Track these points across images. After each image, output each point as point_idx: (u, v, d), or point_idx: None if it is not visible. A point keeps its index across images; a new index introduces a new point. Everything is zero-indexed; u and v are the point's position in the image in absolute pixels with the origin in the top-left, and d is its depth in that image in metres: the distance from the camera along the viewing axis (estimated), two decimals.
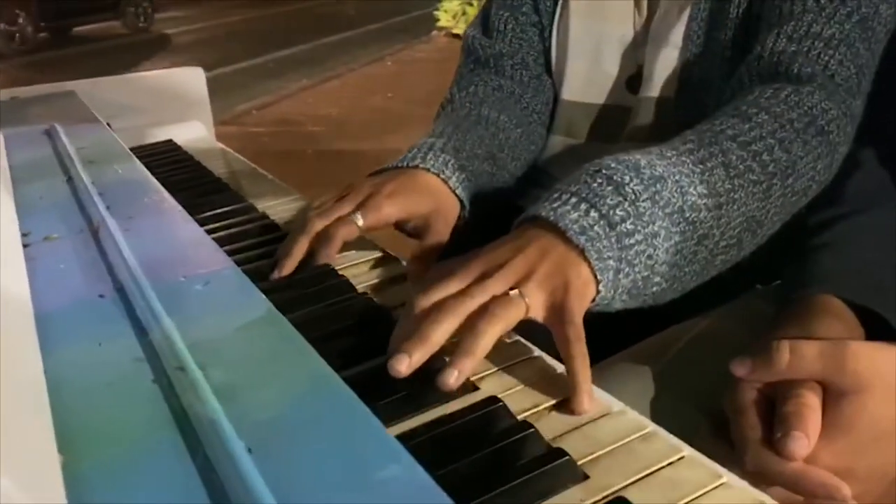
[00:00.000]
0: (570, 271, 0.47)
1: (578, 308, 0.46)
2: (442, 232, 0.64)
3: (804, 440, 0.44)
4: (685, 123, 0.73)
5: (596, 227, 0.47)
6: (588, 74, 0.81)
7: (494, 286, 0.46)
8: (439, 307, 0.45)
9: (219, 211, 0.72)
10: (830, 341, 0.48)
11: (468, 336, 0.43)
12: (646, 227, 0.49)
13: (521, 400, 0.42)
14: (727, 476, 0.35)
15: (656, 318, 0.68)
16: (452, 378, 0.41)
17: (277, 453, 0.24)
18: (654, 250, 0.49)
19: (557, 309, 0.46)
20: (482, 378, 0.44)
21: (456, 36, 7.55)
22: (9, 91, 1.06)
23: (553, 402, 0.42)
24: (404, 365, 0.41)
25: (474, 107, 0.79)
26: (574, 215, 0.48)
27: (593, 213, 0.48)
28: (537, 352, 0.48)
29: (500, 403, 0.40)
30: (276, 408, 0.27)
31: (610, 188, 0.49)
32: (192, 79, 1.14)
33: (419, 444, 0.33)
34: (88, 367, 0.31)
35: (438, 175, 0.67)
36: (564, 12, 0.81)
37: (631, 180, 0.49)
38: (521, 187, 0.84)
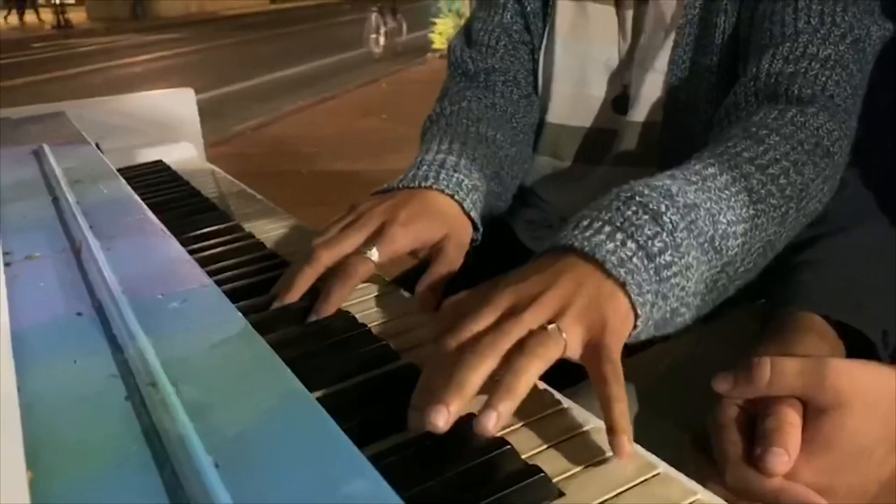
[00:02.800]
0: (607, 305, 0.44)
1: (616, 345, 0.44)
2: (454, 259, 0.61)
3: (784, 456, 0.44)
4: (671, 146, 0.74)
5: (634, 259, 0.45)
6: (573, 97, 0.81)
7: (530, 320, 0.43)
8: (473, 348, 0.41)
9: (205, 230, 0.72)
10: (811, 359, 0.48)
11: (508, 376, 0.40)
12: (682, 258, 0.47)
13: None
14: (701, 493, 0.35)
15: None
16: (492, 422, 0.37)
17: (245, 469, 0.24)
18: (687, 282, 0.48)
19: (595, 346, 0.43)
20: None
21: None
22: None
23: (531, 419, 0.42)
24: (442, 419, 0.37)
25: (472, 123, 0.77)
26: (610, 245, 0.45)
27: (630, 244, 0.46)
28: None
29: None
30: (246, 424, 0.27)
31: (646, 217, 0.47)
32: (182, 100, 1.15)
33: (393, 462, 0.33)
34: (63, 384, 0.31)
35: (453, 196, 0.63)
36: (550, 35, 0.81)
37: (668, 209, 0.48)
38: (510, 206, 0.84)
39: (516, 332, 0.42)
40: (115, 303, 0.36)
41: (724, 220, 0.50)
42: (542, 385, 0.46)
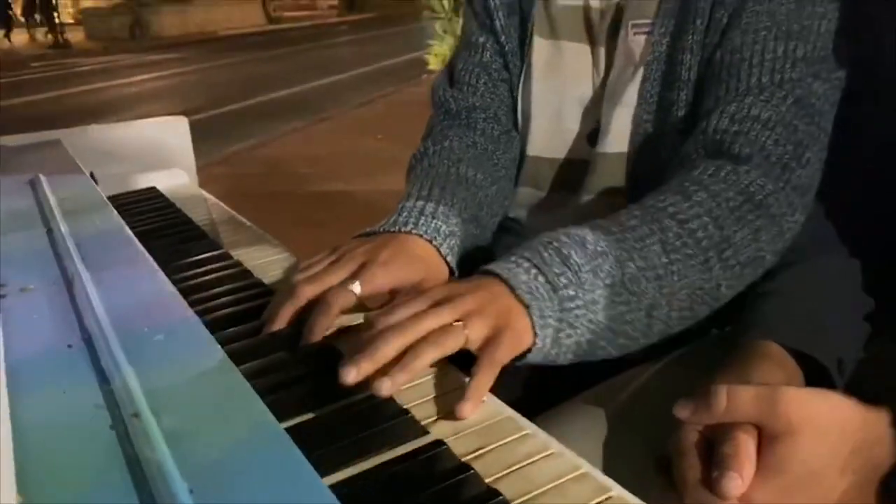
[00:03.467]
0: (510, 318, 0.53)
1: (507, 351, 0.52)
2: None
3: (738, 480, 0.47)
4: (640, 176, 0.78)
5: (542, 289, 0.55)
6: (550, 131, 0.84)
7: (444, 315, 0.52)
8: (393, 327, 0.51)
9: (194, 259, 0.75)
10: (765, 387, 0.51)
11: (409, 355, 0.49)
12: (586, 294, 0.55)
13: (468, 443, 0.44)
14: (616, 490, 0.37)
15: (615, 361, 0.71)
16: (386, 385, 0.47)
17: (217, 494, 0.27)
18: (595, 315, 0.56)
19: (489, 344, 0.52)
20: (436, 421, 0.47)
21: None
22: None
23: (499, 443, 0.45)
24: (352, 375, 0.47)
25: (452, 164, 0.81)
26: (524, 276, 0.55)
27: (541, 278, 0.55)
28: (487, 396, 0.51)
29: (445, 447, 0.42)
30: (220, 453, 0.29)
31: (558, 259, 0.56)
32: (175, 127, 1.18)
33: (361, 488, 0.35)
34: (52, 413, 0.34)
35: (431, 241, 0.69)
36: (527, 72, 0.85)
37: (576, 253, 0.57)
38: (493, 236, 0.87)
39: (430, 323, 0.51)
40: (104, 336, 0.38)
41: (633, 266, 0.58)
42: (508, 412, 0.48)
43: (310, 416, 0.43)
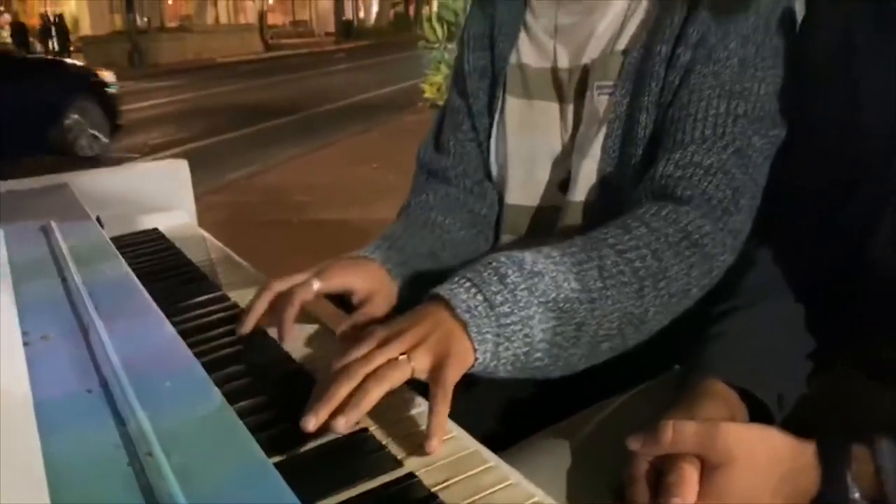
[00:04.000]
0: (453, 341, 0.59)
1: (453, 373, 0.58)
2: (380, 307, 0.77)
3: None
4: (605, 222, 0.84)
5: (479, 307, 0.60)
6: (525, 181, 0.92)
7: (389, 352, 0.58)
8: (344, 371, 0.56)
9: (194, 301, 0.81)
10: (706, 422, 0.57)
11: (358, 394, 0.55)
12: (521, 310, 0.61)
13: (437, 475, 0.50)
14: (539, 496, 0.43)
15: (583, 395, 0.78)
16: (341, 423, 0.52)
17: None
18: (531, 330, 0.61)
19: (436, 372, 0.58)
20: (409, 455, 0.53)
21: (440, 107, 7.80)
22: (6, 183, 1.15)
23: (466, 475, 0.51)
24: (311, 423, 0.52)
25: (424, 212, 0.91)
26: (464, 296, 0.61)
27: (479, 296, 0.61)
28: (458, 431, 0.57)
29: (416, 479, 0.48)
30: (220, 486, 0.35)
31: (495, 278, 0.62)
32: (175, 170, 1.25)
33: None
34: (77, 452, 0.40)
35: (382, 265, 0.79)
36: (501, 128, 0.93)
37: (513, 273, 0.63)
38: None
39: (377, 360, 0.57)
40: (119, 383, 0.44)
41: (568, 288, 0.64)
42: (475, 447, 0.55)
43: (297, 451, 0.49)
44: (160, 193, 1.22)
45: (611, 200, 0.84)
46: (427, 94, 8.63)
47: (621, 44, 0.84)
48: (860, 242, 0.69)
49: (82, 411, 0.43)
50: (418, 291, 0.82)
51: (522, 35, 0.93)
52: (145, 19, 26.84)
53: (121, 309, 0.60)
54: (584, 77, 0.86)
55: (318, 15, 37.74)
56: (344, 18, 34.28)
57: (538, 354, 0.63)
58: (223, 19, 31.97)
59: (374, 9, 37.39)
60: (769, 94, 0.76)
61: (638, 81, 0.81)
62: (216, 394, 0.45)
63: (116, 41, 20.47)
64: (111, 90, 6.65)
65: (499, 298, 0.61)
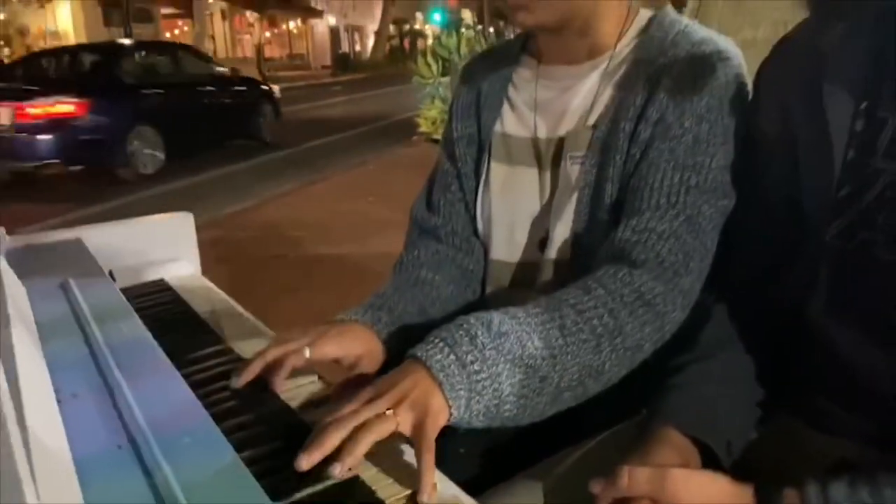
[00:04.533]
0: (431, 398, 0.67)
1: (433, 427, 0.65)
2: (367, 368, 0.84)
3: None
4: (578, 276, 0.92)
5: (452, 367, 0.68)
6: (507, 239, 1.00)
7: (376, 408, 0.65)
8: (335, 422, 0.64)
9: (200, 353, 0.89)
10: (657, 468, 0.65)
11: (350, 442, 0.62)
12: (490, 367, 0.69)
13: None
14: None
15: (556, 441, 0.85)
16: (337, 470, 0.60)
17: None
18: (499, 385, 0.69)
19: (417, 427, 0.65)
20: (399, 499, 0.61)
21: (435, 141, 7.94)
22: (22, 238, 1.23)
23: None
24: (304, 462, 0.60)
25: (415, 269, 0.99)
26: (439, 356, 0.69)
27: (451, 356, 0.69)
28: (438, 475, 0.64)
29: None
30: None
31: (466, 338, 0.70)
32: (181, 223, 1.33)
33: None
34: (110, 502, 0.47)
35: (371, 327, 0.87)
36: (486, 191, 1.01)
37: (481, 334, 0.71)
38: None
39: (365, 414, 0.65)
40: (146, 439, 0.52)
41: (532, 346, 0.72)
42: (453, 490, 0.62)
43: (299, 496, 0.57)
44: (166, 245, 1.30)
45: (584, 259, 0.92)
46: (422, 128, 8.78)
47: (591, 119, 0.93)
48: (800, 302, 0.77)
49: (115, 466, 0.51)
50: (407, 347, 0.90)
51: (506, 107, 1.02)
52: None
53: (141, 368, 0.67)
54: (559, 147, 0.95)
55: (315, 48, 38.19)
56: (340, 51, 34.70)
57: (507, 406, 0.71)
58: (220, 53, 32.31)
59: (370, 42, 37.87)
60: (719, 168, 0.84)
61: (605, 153, 0.90)
62: (228, 448, 0.52)
63: None
64: (276, 95, 9.95)
65: (469, 357, 0.69)
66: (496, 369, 0.70)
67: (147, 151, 7.49)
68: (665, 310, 0.80)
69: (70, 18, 25.67)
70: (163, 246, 1.30)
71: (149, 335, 0.77)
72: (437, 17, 25.85)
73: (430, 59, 8.54)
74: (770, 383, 0.81)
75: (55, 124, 6.78)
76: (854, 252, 0.72)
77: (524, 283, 1.00)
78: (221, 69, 9.42)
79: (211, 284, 1.24)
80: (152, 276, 1.24)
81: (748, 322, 0.83)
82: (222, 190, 6.68)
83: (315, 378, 0.83)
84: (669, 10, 0.96)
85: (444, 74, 8.37)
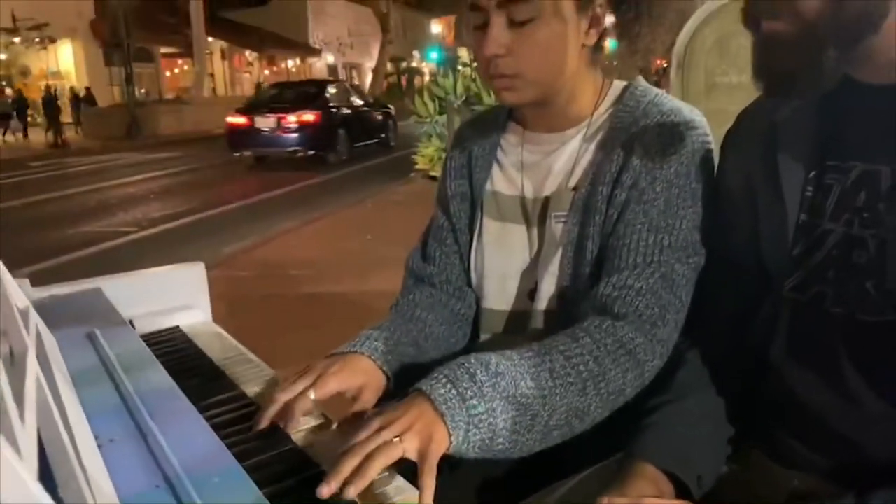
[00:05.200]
0: (434, 428, 0.75)
1: (435, 454, 0.73)
2: (369, 399, 0.92)
3: None
4: (565, 325, 1.01)
5: (453, 401, 0.76)
6: (499, 290, 1.09)
7: (385, 436, 0.73)
8: (349, 451, 0.71)
9: (217, 398, 0.96)
10: (633, 499, 0.73)
11: (362, 467, 0.69)
12: (487, 403, 0.77)
13: None
14: None
15: (547, 475, 0.93)
16: (351, 491, 0.67)
17: None
18: (494, 419, 0.78)
19: (422, 453, 0.73)
20: None
21: (433, 177, 8.07)
22: (46, 289, 1.31)
23: None
24: (325, 491, 0.67)
25: (410, 308, 1.08)
26: (441, 391, 0.77)
27: (453, 391, 0.77)
28: None
29: None
30: None
31: (467, 376, 0.78)
32: (193, 272, 1.41)
33: None
34: None
35: (370, 357, 0.94)
36: (479, 245, 1.10)
37: (480, 373, 0.79)
38: None
39: (375, 442, 0.72)
40: (180, 480, 0.59)
41: (524, 386, 0.80)
42: None
43: None
44: (180, 294, 1.38)
45: (570, 309, 1.00)
46: (419, 166, 8.91)
47: (573, 181, 1.02)
48: (763, 348, 0.85)
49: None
50: (403, 376, 0.99)
51: (495, 168, 1.12)
52: (143, 91, 27.47)
53: (169, 414, 0.75)
54: (545, 206, 1.04)
55: None
56: None
57: (500, 439, 0.79)
58: (220, 90, 32.69)
59: (368, 79, 38.31)
60: (690, 228, 0.93)
61: (585, 214, 0.99)
62: (252, 486, 0.60)
63: (115, 114, 20.92)
64: (392, 113, 14.63)
65: (469, 393, 0.77)
66: (492, 405, 0.78)
67: (342, 145, 12.30)
68: (645, 358, 0.88)
69: (72, 59, 26.03)
70: (177, 294, 1.38)
71: (173, 383, 0.84)
72: (433, 55, 26.26)
73: (426, 98, 8.70)
74: (739, 421, 0.89)
75: (301, 127, 11.68)
76: (808, 304, 0.80)
77: (516, 330, 1.08)
78: (369, 98, 15.03)
79: (222, 331, 1.32)
80: (168, 323, 1.32)
81: (719, 365, 0.91)
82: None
83: (320, 417, 0.90)
84: (640, 80, 1.06)
85: (440, 113, 8.52)
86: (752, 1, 0.74)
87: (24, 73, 25.43)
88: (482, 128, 1.16)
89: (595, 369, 0.85)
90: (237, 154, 12.25)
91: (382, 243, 5.55)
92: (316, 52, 37.24)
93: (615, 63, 1.05)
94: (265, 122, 11.75)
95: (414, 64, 41.91)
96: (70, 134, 19.15)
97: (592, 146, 1.02)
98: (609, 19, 0.98)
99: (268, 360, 1.12)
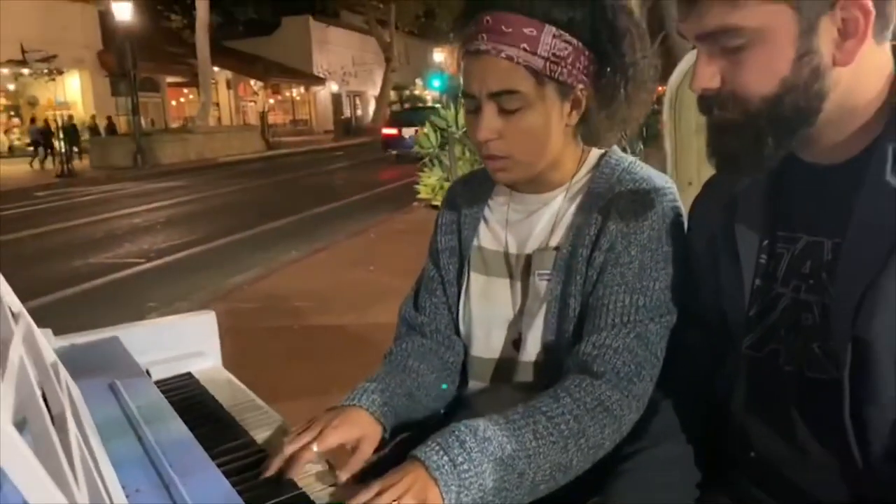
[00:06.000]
0: (428, 492, 0.83)
1: None
2: (367, 450, 1.00)
3: None
4: (551, 375, 1.09)
5: (445, 466, 0.84)
6: (486, 339, 1.18)
7: (385, 499, 0.81)
8: None
9: (229, 445, 1.04)
10: None
11: None
12: (476, 467, 0.85)
13: None
14: None
15: None
16: None
17: None
18: (483, 481, 0.86)
19: None
20: None
21: (434, 207, 8.18)
22: (68, 338, 1.40)
23: None
24: None
25: (403, 359, 1.17)
26: (435, 458, 0.85)
27: (445, 457, 0.85)
28: None
29: None
30: None
31: (457, 443, 0.86)
32: (204, 321, 1.50)
33: None
34: None
35: (367, 409, 1.03)
36: (467, 297, 1.19)
37: (469, 439, 0.87)
38: (451, 410, 1.19)
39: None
40: None
41: (510, 448, 0.88)
42: None
43: None
44: (192, 341, 1.47)
45: (554, 359, 1.09)
46: (421, 195, 9.03)
47: (554, 241, 1.11)
48: (726, 400, 0.94)
49: None
50: (397, 426, 1.08)
51: (482, 225, 1.21)
52: (150, 120, 27.79)
53: (188, 465, 0.84)
54: (528, 263, 1.13)
55: (318, 113, 39.00)
56: (343, 117, 35.41)
57: (490, 498, 0.87)
58: (225, 119, 33.02)
59: (372, 107, 38.69)
60: (662, 289, 1.02)
61: (567, 273, 1.08)
62: None
63: (120, 143, 21.13)
64: None
65: (459, 459, 0.85)
66: (481, 468, 0.86)
67: None
68: (622, 413, 0.96)
69: (79, 89, 26.37)
70: (189, 342, 1.46)
71: (190, 433, 0.93)
72: (436, 83, 26.58)
73: (428, 130, 8.84)
74: (706, 467, 0.97)
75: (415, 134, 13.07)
76: (763, 361, 0.89)
77: (502, 379, 1.17)
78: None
79: (232, 376, 1.40)
80: (181, 369, 1.41)
81: (689, 415, 1.00)
82: None
83: (324, 464, 0.99)
84: (615, 149, 1.15)
85: (442, 146, 8.66)
86: (704, 96, 0.84)
87: (32, 102, 25.80)
88: (473, 186, 1.26)
89: (575, 427, 0.93)
90: (387, 152, 18.73)
91: (384, 274, 5.65)
92: (320, 81, 37.66)
93: (594, 134, 1.14)
94: (407, 132, 17.23)
95: (417, 92, 42.31)
96: (75, 163, 19.30)
97: (572, 208, 1.12)
98: (590, 99, 1.07)
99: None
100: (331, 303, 5.12)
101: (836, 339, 0.80)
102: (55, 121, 20.15)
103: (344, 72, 39.81)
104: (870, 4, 0.76)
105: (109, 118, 23.33)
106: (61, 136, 18.84)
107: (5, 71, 23.48)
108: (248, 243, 7.96)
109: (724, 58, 0.81)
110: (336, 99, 39.93)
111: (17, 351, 0.67)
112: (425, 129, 8.92)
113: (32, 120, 20.43)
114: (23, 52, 22.36)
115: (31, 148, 18.92)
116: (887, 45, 0.82)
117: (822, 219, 0.85)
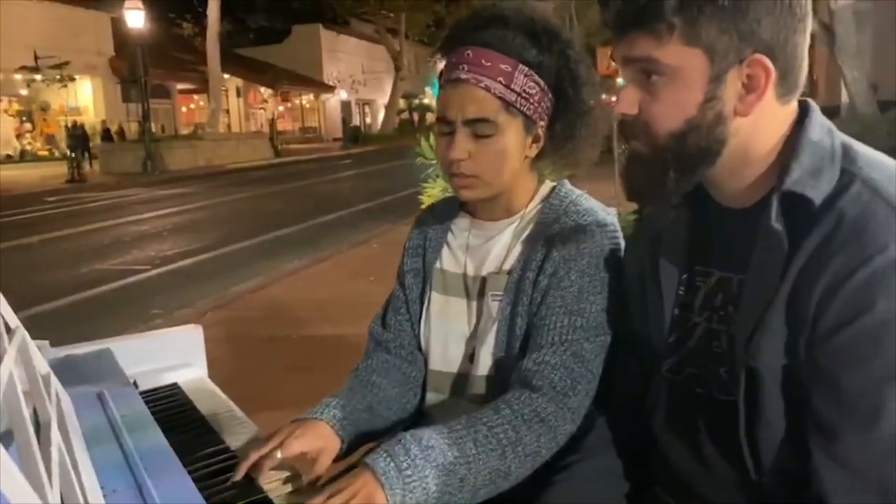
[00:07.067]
0: (375, 496, 0.92)
1: None
2: (325, 462, 1.10)
3: None
4: (501, 388, 1.18)
5: (391, 472, 0.93)
6: (443, 354, 1.28)
7: (337, 500, 0.90)
8: None
9: (207, 451, 1.15)
10: None
11: None
12: (419, 472, 0.95)
13: None
14: None
15: None
16: None
17: None
18: (427, 485, 0.95)
19: None
20: None
21: None
22: (61, 349, 1.50)
23: None
24: None
25: (367, 374, 1.28)
26: (382, 464, 0.94)
27: (391, 464, 0.94)
28: None
29: None
30: None
31: (402, 451, 0.95)
32: (191, 335, 1.60)
33: None
34: None
35: (328, 423, 1.13)
36: (427, 315, 1.30)
37: (413, 447, 0.96)
38: (413, 422, 1.29)
39: None
40: None
41: (452, 455, 0.98)
42: None
43: None
44: (179, 353, 1.57)
45: (503, 374, 1.19)
46: (425, 205, 9.10)
47: (507, 265, 1.22)
48: (650, 419, 1.03)
49: None
50: (355, 439, 1.18)
51: (445, 249, 1.32)
52: (161, 126, 28.05)
53: (161, 470, 0.94)
54: (483, 284, 1.24)
55: (327, 121, 39.25)
56: (351, 125, 35.64)
57: (433, 501, 0.96)
58: (234, 126, 33.28)
59: (381, 115, 38.91)
60: (598, 311, 1.12)
61: (516, 295, 1.18)
62: None
63: (130, 149, 21.34)
64: None
65: (404, 464, 0.94)
66: (424, 473, 0.95)
67: None
68: (556, 424, 1.06)
69: (91, 95, 26.67)
70: (176, 353, 1.57)
71: (167, 443, 1.03)
72: None
73: (432, 141, 8.94)
74: (634, 480, 1.06)
75: None
76: (680, 384, 0.99)
77: (459, 391, 1.27)
78: None
79: (215, 387, 1.50)
80: (168, 379, 1.51)
81: (622, 430, 1.10)
82: None
83: (290, 469, 1.09)
84: (566, 183, 1.26)
85: None
86: (623, 122, 0.93)
87: (45, 108, 26.13)
88: (439, 214, 1.37)
89: (513, 436, 1.03)
90: None
91: (384, 285, 5.71)
92: (330, 89, 37.93)
93: (548, 169, 1.26)
94: None
95: (426, 100, 42.55)
96: (85, 168, 19.51)
97: (524, 236, 1.22)
98: (546, 137, 1.19)
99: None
100: (330, 313, 5.21)
101: (737, 365, 0.90)
102: (81, 126, 20.31)
103: (353, 80, 40.11)
104: (771, 67, 0.85)
105: (120, 124, 23.55)
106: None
107: (18, 77, 23.81)
108: (252, 251, 8.08)
109: (644, 89, 0.89)
110: (345, 106, 40.20)
111: (7, 367, 0.77)
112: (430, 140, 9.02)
113: (74, 125, 20.38)
114: (36, 58, 22.66)
115: (70, 153, 18.93)
116: (792, 106, 0.90)
117: (731, 257, 0.94)
